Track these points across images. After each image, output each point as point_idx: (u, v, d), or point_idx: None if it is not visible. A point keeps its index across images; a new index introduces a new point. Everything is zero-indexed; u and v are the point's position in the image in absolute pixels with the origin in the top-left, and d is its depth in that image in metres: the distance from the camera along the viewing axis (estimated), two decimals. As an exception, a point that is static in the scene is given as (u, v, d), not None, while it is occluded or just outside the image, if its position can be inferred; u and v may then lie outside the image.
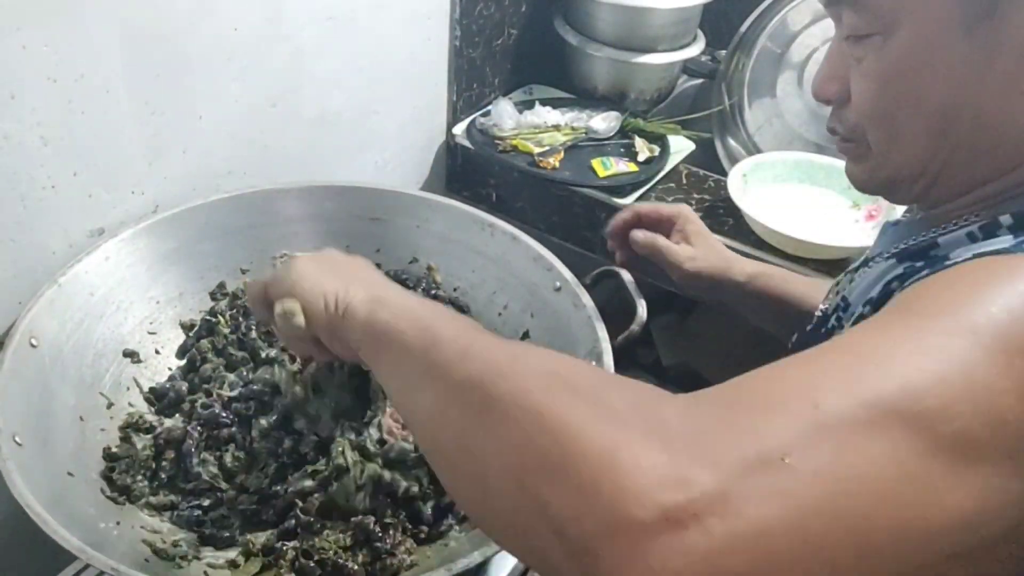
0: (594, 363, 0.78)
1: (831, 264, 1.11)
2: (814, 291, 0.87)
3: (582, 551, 0.34)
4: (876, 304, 0.57)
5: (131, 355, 0.85)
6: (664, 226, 0.92)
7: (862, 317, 0.59)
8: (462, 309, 0.98)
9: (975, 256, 0.48)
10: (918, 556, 0.36)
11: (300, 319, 0.62)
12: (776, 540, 0.33)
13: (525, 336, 0.93)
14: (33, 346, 0.74)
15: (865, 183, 0.63)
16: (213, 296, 0.94)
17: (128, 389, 0.84)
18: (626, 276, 0.90)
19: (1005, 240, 0.50)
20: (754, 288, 0.89)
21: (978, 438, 0.37)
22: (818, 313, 0.73)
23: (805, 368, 0.41)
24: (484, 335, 0.48)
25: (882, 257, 0.64)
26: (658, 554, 0.32)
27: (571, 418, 0.37)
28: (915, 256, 0.59)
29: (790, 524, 0.33)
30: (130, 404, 0.83)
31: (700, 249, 0.90)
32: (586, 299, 0.85)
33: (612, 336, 0.81)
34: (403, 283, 0.98)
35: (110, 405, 0.81)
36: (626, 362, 0.84)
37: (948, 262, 0.50)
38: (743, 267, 0.90)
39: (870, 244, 0.72)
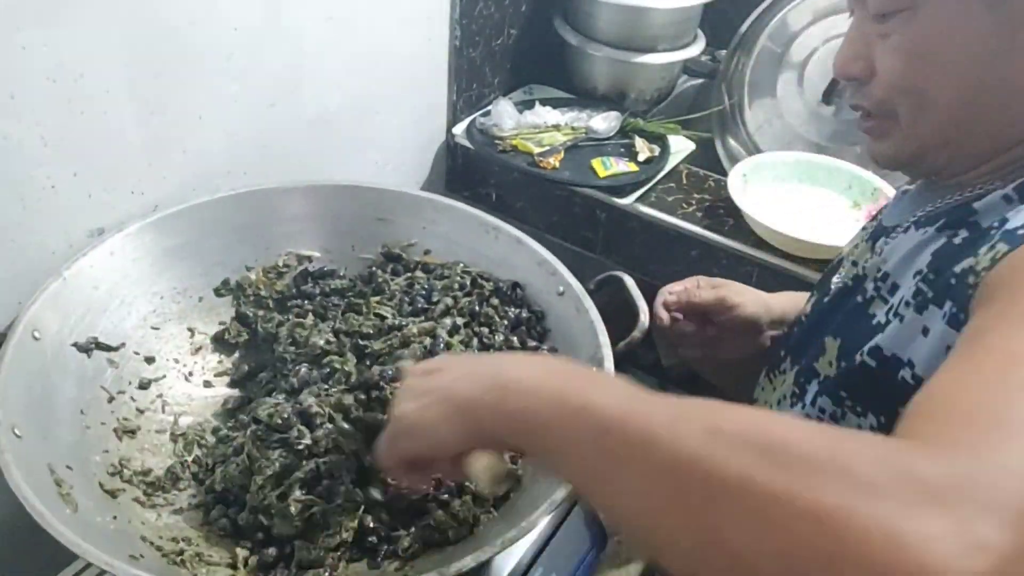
0: (595, 369, 0.77)
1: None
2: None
3: None
4: (932, 280, 0.59)
5: (134, 350, 0.85)
6: (703, 310, 0.91)
7: (919, 291, 0.60)
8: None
9: None
10: None
11: (502, 467, 0.51)
12: None
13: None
14: (36, 339, 0.75)
15: (891, 159, 0.65)
16: (218, 292, 0.95)
17: (130, 383, 0.84)
18: (629, 281, 0.90)
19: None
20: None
21: None
22: (835, 284, 0.74)
23: (989, 385, 0.40)
24: (652, 397, 0.42)
25: (909, 224, 0.66)
26: None
27: (827, 500, 0.33)
28: (953, 224, 0.61)
29: None
30: (132, 399, 0.83)
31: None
32: (589, 304, 0.85)
33: (613, 341, 0.81)
34: (397, 259, 0.99)
35: (111, 399, 0.81)
36: (626, 363, 0.84)
37: (1019, 231, 0.52)
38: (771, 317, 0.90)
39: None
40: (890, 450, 0.36)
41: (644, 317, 0.87)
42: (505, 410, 0.46)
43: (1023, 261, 0.50)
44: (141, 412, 0.83)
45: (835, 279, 0.75)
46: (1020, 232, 0.52)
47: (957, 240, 0.59)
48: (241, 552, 0.71)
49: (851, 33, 0.63)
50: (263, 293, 0.95)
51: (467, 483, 0.73)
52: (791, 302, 0.91)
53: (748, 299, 0.90)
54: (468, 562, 0.62)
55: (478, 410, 0.48)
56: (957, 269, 0.56)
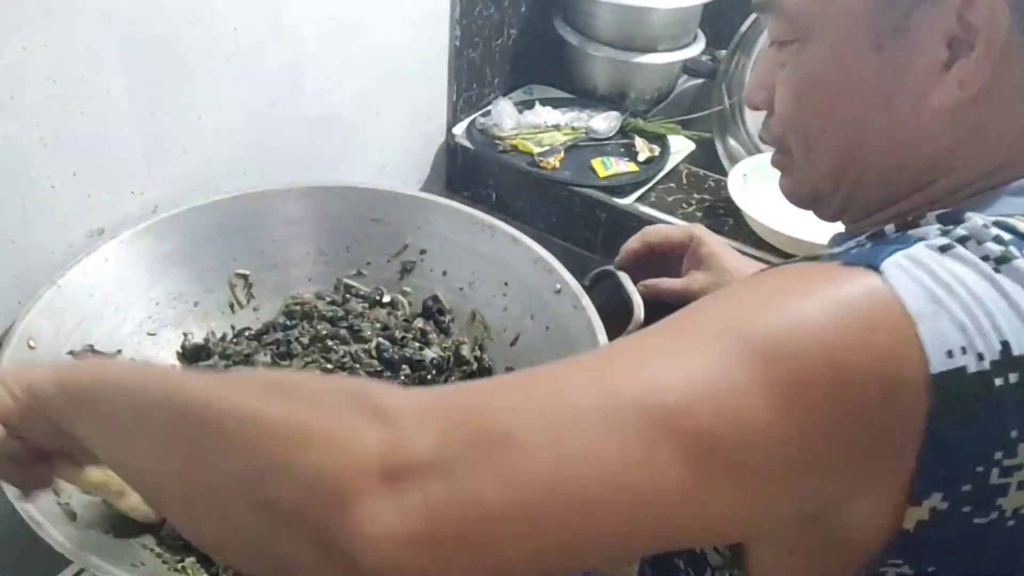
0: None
1: (831, 264, 1.11)
2: None
3: (316, 535, 0.34)
4: None
5: (130, 357, 0.85)
6: (676, 252, 0.89)
7: None
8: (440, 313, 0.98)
9: (801, 260, 0.47)
10: (644, 542, 0.39)
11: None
12: (493, 506, 0.34)
13: (515, 342, 0.93)
14: (31, 348, 0.74)
15: (791, 196, 0.62)
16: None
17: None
18: (622, 276, 0.90)
19: (855, 246, 0.49)
20: None
21: (721, 437, 0.37)
22: None
23: (567, 363, 0.42)
24: (195, 374, 0.46)
25: None
26: (380, 517, 0.33)
27: (291, 417, 0.36)
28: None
29: (507, 493, 0.35)
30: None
31: (711, 273, 0.86)
32: (586, 302, 0.85)
33: (609, 337, 0.81)
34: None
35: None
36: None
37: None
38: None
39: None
40: (377, 387, 0.38)
41: (639, 312, 0.87)
42: (61, 379, 0.48)
43: (731, 286, 0.48)
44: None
45: None
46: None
47: None
48: None
49: (761, 59, 0.60)
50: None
51: None
52: None
53: (717, 257, 0.87)
54: None
55: (35, 378, 0.50)
56: None
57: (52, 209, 0.81)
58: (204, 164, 0.96)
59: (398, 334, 0.92)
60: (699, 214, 1.22)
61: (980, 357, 0.40)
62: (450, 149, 1.35)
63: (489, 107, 1.34)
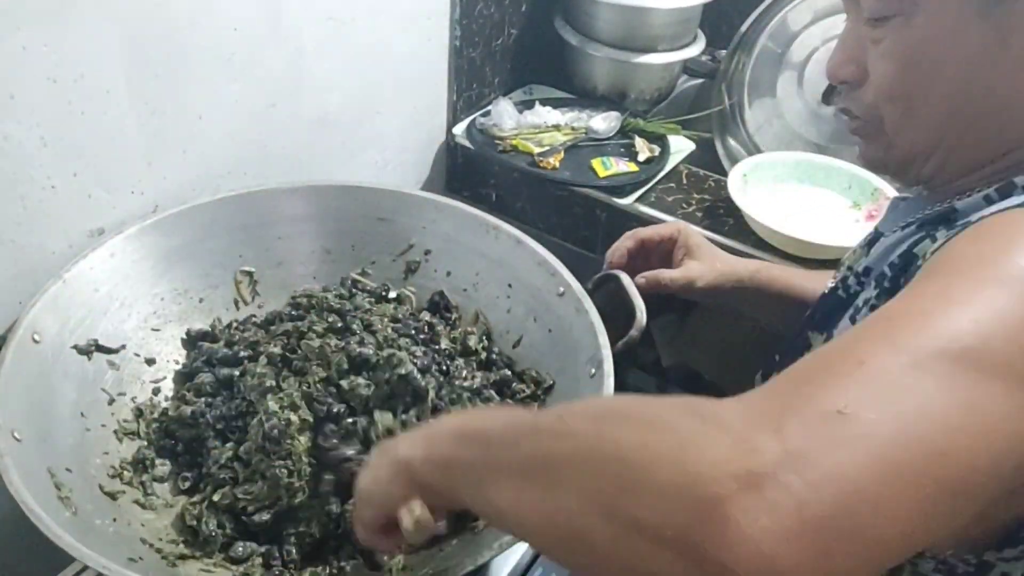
0: (593, 370, 0.78)
1: (831, 264, 1.11)
2: (814, 281, 0.89)
3: (684, 548, 0.34)
4: (900, 267, 0.60)
5: (134, 352, 0.85)
6: (665, 246, 0.93)
7: (882, 276, 0.61)
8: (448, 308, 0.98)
9: (995, 212, 0.51)
10: (992, 483, 0.38)
11: (426, 515, 0.55)
12: (859, 479, 0.34)
13: (517, 344, 0.93)
14: (36, 341, 0.74)
15: (879, 163, 0.66)
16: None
17: (130, 385, 0.84)
18: (626, 280, 0.90)
19: (1022, 198, 0.53)
20: (755, 284, 0.91)
21: (1021, 367, 0.39)
22: (828, 286, 0.74)
23: (847, 338, 0.43)
24: (527, 414, 0.49)
25: (896, 229, 0.66)
26: (748, 521, 0.33)
27: (631, 440, 0.38)
28: (934, 222, 0.61)
29: (865, 463, 0.34)
30: (133, 401, 0.83)
31: (705, 262, 0.91)
32: (588, 305, 0.85)
33: (612, 340, 0.81)
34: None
35: (111, 401, 0.81)
36: (626, 362, 0.84)
37: (971, 220, 0.53)
38: (745, 266, 0.92)
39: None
40: (702, 400, 0.39)
41: (641, 316, 0.87)
42: (430, 458, 0.52)
43: (954, 244, 0.50)
44: (142, 414, 0.83)
45: (828, 283, 0.76)
46: (972, 221, 0.52)
47: (935, 236, 0.59)
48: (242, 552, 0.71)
49: (845, 36, 0.63)
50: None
51: None
52: (779, 270, 0.93)
53: (705, 247, 0.92)
54: (467, 564, 0.62)
55: (412, 463, 0.53)
56: (917, 253, 0.58)
57: (52, 209, 0.82)
58: (204, 164, 0.96)
59: (408, 326, 0.92)
60: (699, 214, 1.22)
61: None
62: (450, 149, 1.35)
63: (489, 107, 1.34)
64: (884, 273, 0.61)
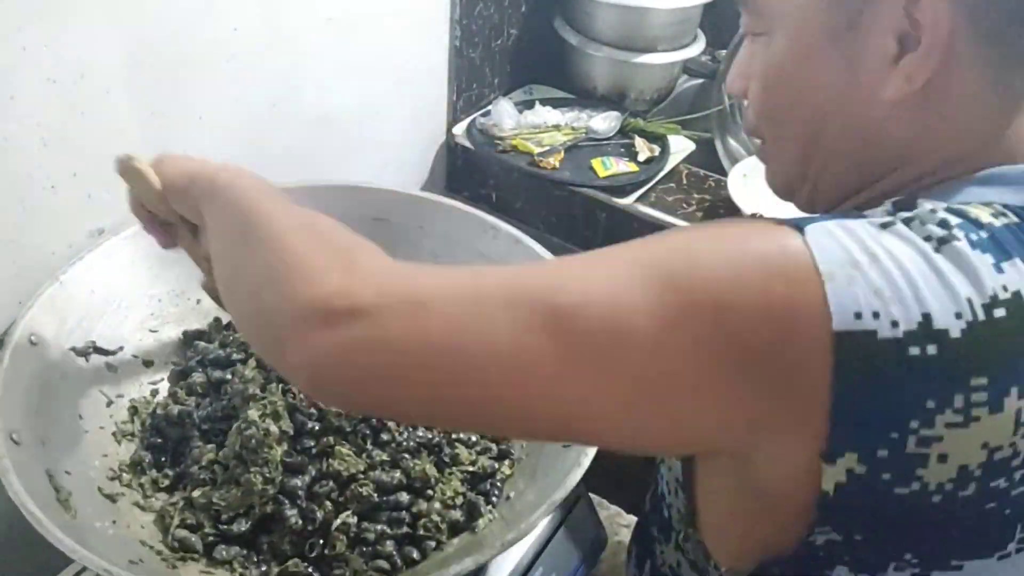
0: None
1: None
2: None
3: (279, 337, 0.48)
4: None
5: (132, 353, 0.85)
6: None
7: None
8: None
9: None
10: (516, 418, 0.46)
11: (153, 177, 0.67)
12: (396, 347, 0.44)
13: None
14: (33, 344, 0.74)
15: (771, 187, 0.64)
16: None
17: (128, 386, 0.84)
18: None
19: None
20: None
21: (599, 341, 0.43)
22: None
23: (506, 267, 0.50)
24: (275, 199, 0.57)
25: None
26: (318, 340, 0.45)
27: (301, 248, 0.49)
28: None
29: (410, 339, 0.44)
30: (132, 402, 0.83)
31: None
32: None
33: None
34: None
35: (109, 403, 0.81)
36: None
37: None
38: None
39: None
40: (368, 246, 0.51)
41: None
42: (218, 179, 0.63)
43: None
44: (136, 412, 0.83)
45: None
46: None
47: None
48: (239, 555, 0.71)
49: (741, 50, 0.61)
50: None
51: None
52: None
53: None
54: (468, 564, 0.63)
55: (200, 175, 0.65)
56: None
57: (52, 209, 0.81)
58: (204, 164, 0.96)
59: None
60: (699, 214, 1.22)
61: (894, 324, 0.41)
62: (450, 149, 1.35)
63: (489, 107, 1.34)
64: None
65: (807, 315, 0.41)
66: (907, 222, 0.45)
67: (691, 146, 1.34)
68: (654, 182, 1.26)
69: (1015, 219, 0.46)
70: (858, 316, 0.41)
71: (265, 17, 0.95)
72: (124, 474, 0.76)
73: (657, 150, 1.30)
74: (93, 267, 0.83)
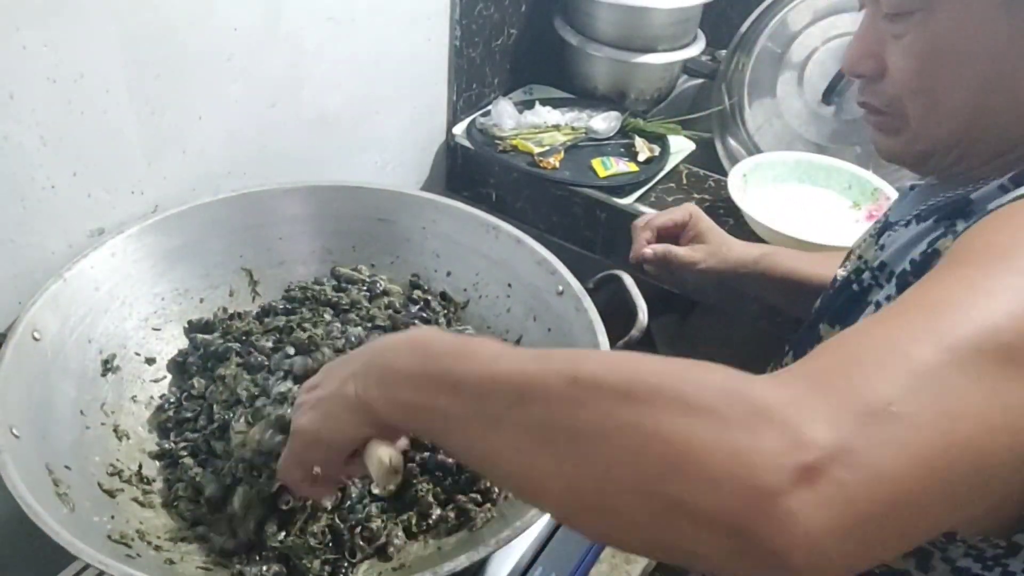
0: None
1: (830, 263, 1.11)
2: (819, 264, 0.90)
3: (735, 533, 0.35)
4: (921, 264, 0.60)
5: (135, 351, 0.86)
6: (677, 230, 0.96)
7: (905, 274, 0.61)
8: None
9: (1012, 200, 0.51)
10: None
11: (398, 458, 0.54)
12: (904, 480, 0.36)
13: (517, 343, 0.93)
14: (36, 339, 0.75)
15: (898, 155, 0.65)
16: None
17: (131, 383, 0.84)
18: (628, 280, 0.90)
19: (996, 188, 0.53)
20: (759, 270, 0.93)
21: None
22: (840, 276, 0.74)
23: (886, 325, 0.43)
24: (502, 358, 0.45)
25: (911, 218, 0.66)
26: (802, 513, 0.34)
27: (673, 421, 0.38)
28: (952, 215, 0.61)
29: (913, 464, 0.36)
30: (134, 399, 0.83)
31: (711, 246, 0.94)
32: (588, 304, 0.85)
33: (612, 340, 0.81)
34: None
35: (111, 400, 0.81)
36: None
37: (988, 209, 0.52)
38: (749, 251, 0.95)
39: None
40: (730, 381, 0.39)
41: (643, 316, 0.87)
42: (395, 400, 0.50)
43: (975, 232, 0.50)
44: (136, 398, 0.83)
45: (840, 272, 0.76)
46: (989, 211, 0.52)
47: (955, 231, 0.59)
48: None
49: (862, 30, 0.63)
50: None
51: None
52: (785, 254, 0.94)
53: (713, 232, 0.95)
54: (462, 561, 0.63)
55: (371, 403, 0.51)
56: (940, 249, 0.58)
57: (52, 209, 0.82)
58: (204, 164, 0.96)
59: (410, 314, 0.94)
60: (699, 214, 1.22)
61: None
62: (450, 149, 1.35)
63: (489, 107, 1.34)
64: (905, 270, 0.61)
65: None
66: None
67: (691, 146, 1.35)
68: (654, 182, 1.26)
69: None
70: None
71: (265, 17, 0.95)
72: (124, 470, 0.76)
73: (657, 150, 1.30)
74: (97, 264, 0.84)
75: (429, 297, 0.99)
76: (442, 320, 0.96)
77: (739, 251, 0.94)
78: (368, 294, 0.97)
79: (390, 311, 0.94)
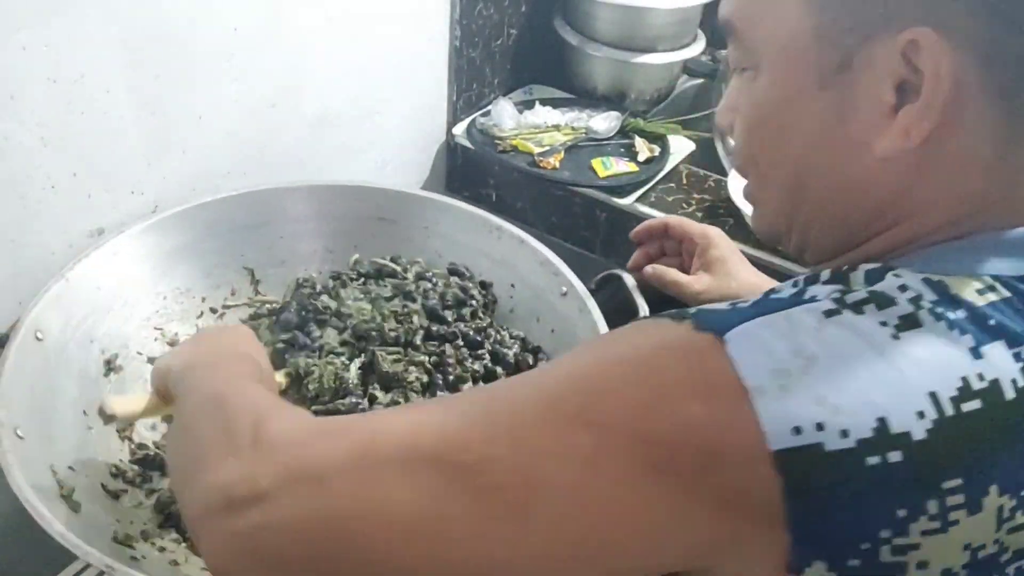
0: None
1: (831, 263, 1.11)
2: None
3: (193, 529, 0.48)
4: None
5: (137, 351, 0.85)
6: (688, 245, 0.90)
7: None
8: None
9: (667, 317, 0.44)
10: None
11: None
12: (296, 529, 0.42)
13: (523, 343, 0.93)
14: (39, 339, 0.75)
15: (755, 230, 0.58)
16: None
17: (133, 384, 0.84)
18: (629, 280, 0.90)
19: (788, 288, 0.46)
20: None
21: (516, 498, 0.39)
22: None
23: (399, 411, 0.51)
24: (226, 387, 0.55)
25: None
26: (219, 530, 0.44)
27: (207, 432, 0.50)
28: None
29: (312, 521, 0.41)
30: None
31: (717, 278, 0.86)
32: (592, 305, 0.85)
33: None
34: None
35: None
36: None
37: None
38: (753, 290, 0.84)
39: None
40: (271, 416, 0.48)
41: (643, 316, 0.87)
42: (164, 378, 0.64)
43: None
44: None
45: None
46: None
47: None
48: None
49: (731, 82, 0.55)
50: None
51: None
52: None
53: (723, 263, 0.87)
54: None
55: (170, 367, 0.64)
56: None
57: (52, 209, 0.82)
58: (204, 164, 0.96)
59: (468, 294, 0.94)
60: (699, 214, 1.22)
61: (844, 434, 0.37)
62: (450, 149, 1.35)
63: (489, 107, 1.34)
64: None
65: (736, 436, 0.38)
66: (860, 305, 0.40)
67: (691, 146, 1.35)
68: (654, 182, 1.26)
69: (1006, 293, 0.41)
70: (797, 431, 0.37)
71: (265, 17, 0.95)
72: (127, 471, 0.76)
73: (657, 150, 1.30)
74: (99, 264, 0.83)
75: (470, 284, 0.96)
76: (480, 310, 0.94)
77: (744, 288, 0.85)
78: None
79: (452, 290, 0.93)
